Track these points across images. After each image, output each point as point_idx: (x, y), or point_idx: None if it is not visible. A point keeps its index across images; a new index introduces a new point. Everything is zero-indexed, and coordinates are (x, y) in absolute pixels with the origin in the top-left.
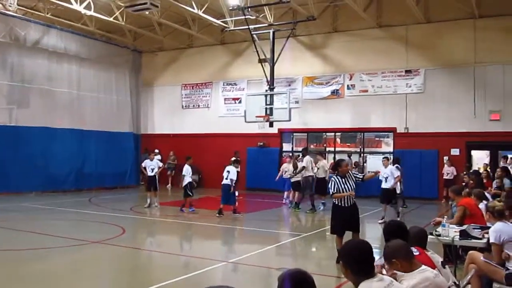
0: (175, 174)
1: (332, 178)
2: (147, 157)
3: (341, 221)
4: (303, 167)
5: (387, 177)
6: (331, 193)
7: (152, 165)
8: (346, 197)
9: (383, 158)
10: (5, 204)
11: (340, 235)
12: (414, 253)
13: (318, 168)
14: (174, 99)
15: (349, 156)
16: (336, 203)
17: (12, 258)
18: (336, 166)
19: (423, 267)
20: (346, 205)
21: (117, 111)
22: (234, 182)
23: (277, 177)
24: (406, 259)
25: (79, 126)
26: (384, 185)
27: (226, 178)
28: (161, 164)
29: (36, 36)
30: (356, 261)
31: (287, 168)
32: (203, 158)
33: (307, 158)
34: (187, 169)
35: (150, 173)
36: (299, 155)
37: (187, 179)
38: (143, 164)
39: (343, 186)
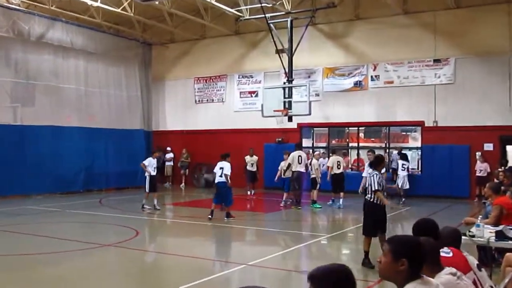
0: (189, 173)
1: (376, 174)
2: (161, 155)
3: (375, 221)
4: (289, 164)
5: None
6: (375, 189)
7: (155, 164)
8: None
9: (368, 151)
10: (12, 207)
11: (372, 236)
12: (447, 255)
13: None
14: (186, 94)
15: (373, 152)
16: (374, 201)
17: (24, 263)
18: (380, 162)
19: (445, 269)
20: (382, 204)
21: (127, 107)
22: (229, 178)
23: (276, 178)
24: (429, 262)
25: (87, 124)
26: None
27: (220, 175)
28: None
29: (40, 30)
30: (416, 257)
31: (285, 166)
32: (217, 155)
33: (294, 153)
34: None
35: (153, 172)
36: (313, 151)
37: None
38: (146, 162)
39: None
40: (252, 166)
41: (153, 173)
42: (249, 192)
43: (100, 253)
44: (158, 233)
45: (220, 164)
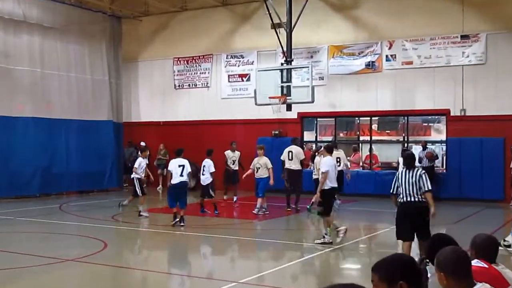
0: (167, 173)
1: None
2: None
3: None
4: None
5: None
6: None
7: (145, 165)
8: None
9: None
10: None
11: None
12: (480, 267)
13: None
14: (164, 78)
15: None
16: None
17: None
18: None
19: (478, 285)
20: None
21: (92, 94)
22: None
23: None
24: (456, 276)
25: (44, 114)
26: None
27: (203, 173)
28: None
29: None
30: (413, 273)
31: (257, 164)
32: (202, 151)
33: (286, 149)
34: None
35: (143, 175)
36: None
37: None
38: (136, 164)
39: None
40: (233, 163)
41: (143, 175)
42: (225, 197)
43: (61, 270)
44: (130, 245)
45: (205, 161)
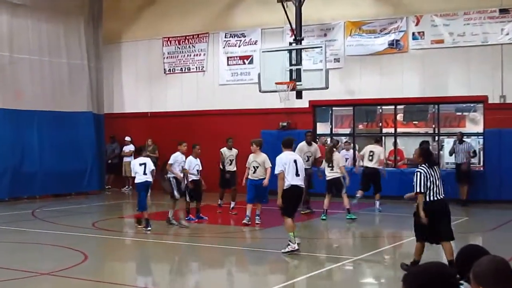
0: (156, 173)
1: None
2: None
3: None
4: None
5: None
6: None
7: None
8: None
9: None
10: None
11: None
12: None
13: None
14: (151, 61)
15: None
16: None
17: None
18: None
19: None
20: None
21: (68, 81)
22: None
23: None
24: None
25: (12, 105)
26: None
27: (145, 173)
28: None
29: None
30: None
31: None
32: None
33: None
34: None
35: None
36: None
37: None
38: (171, 160)
39: None
40: (231, 163)
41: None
42: (219, 202)
43: (35, 285)
44: (113, 257)
45: (141, 159)
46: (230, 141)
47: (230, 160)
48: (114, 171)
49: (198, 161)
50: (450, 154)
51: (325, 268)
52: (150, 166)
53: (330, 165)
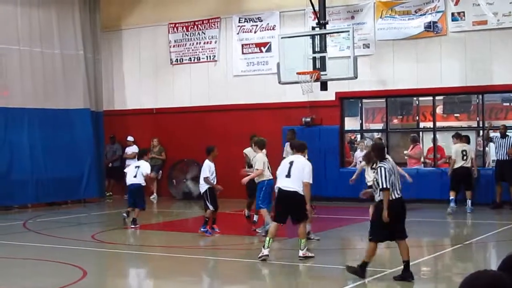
0: (163, 177)
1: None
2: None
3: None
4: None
5: None
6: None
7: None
8: None
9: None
10: None
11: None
12: None
13: None
14: (156, 50)
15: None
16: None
17: None
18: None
19: None
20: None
21: (62, 74)
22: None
23: (355, 176)
24: None
25: (0, 102)
26: None
27: (135, 176)
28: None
29: None
30: None
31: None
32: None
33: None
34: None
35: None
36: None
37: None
38: (205, 169)
39: None
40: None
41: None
42: (246, 213)
43: None
44: (115, 273)
45: (137, 162)
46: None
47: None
48: (115, 176)
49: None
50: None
51: (358, 282)
52: (144, 169)
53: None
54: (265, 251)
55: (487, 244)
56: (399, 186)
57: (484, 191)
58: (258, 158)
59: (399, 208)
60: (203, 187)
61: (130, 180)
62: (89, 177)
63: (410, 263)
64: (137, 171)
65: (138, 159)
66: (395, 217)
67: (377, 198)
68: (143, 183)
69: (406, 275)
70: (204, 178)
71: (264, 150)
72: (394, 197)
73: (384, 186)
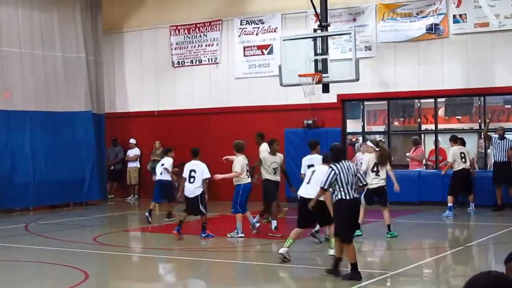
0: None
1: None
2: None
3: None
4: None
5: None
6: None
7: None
8: None
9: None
10: None
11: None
12: None
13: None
14: (158, 52)
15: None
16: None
17: None
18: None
19: None
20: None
21: (64, 77)
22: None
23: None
24: None
25: (2, 105)
26: None
27: (161, 173)
28: None
29: None
30: None
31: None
32: (210, 150)
33: (264, 146)
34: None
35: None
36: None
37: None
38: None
39: None
40: (275, 172)
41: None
42: (259, 220)
43: None
44: (118, 276)
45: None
46: (276, 143)
47: (273, 168)
48: (117, 179)
49: None
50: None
51: (360, 285)
52: (167, 165)
53: (375, 169)
54: (283, 250)
55: (488, 246)
56: (352, 188)
57: (485, 193)
58: (237, 161)
59: (356, 208)
60: (199, 190)
61: (157, 177)
62: (91, 179)
63: (412, 266)
64: (162, 169)
65: (163, 157)
66: (350, 216)
67: (334, 198)
68: (169, 179)
69: (355, 275)
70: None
71: (242, 153)
72: (347, 197)
73: (322, 185)
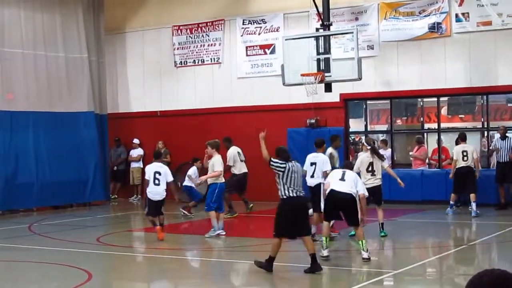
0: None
1: None
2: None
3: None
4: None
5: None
6: None
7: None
8: None
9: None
10: None
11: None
12: None
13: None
14: (160, 52)
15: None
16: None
17: None
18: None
19: None
20: None
21: (66, 77)
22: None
23: None
24: None
25: (4, 106)
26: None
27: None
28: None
29: None
30: None
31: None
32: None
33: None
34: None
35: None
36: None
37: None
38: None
39: None
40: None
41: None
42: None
43: None
44: (121, 276)
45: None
46: (339, 139)
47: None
48: (120, 179)
49: None
50: (496, 152)
51: (364, 283)
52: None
53: (370, 169)
54: (325, 252)
55: (491, 245)
56: (298, 186)
57: (489, 192)
58: (217, 160)
59: (298, 206)
60: (164, 192)
61: (184, 183)
62: (94, 180)
63: (415, 265)
64: (186, 177)
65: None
66: (296, 214)
67: (281, 196)
68: (190, 184)
69: (315, 267)
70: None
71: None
72: (292, 195)
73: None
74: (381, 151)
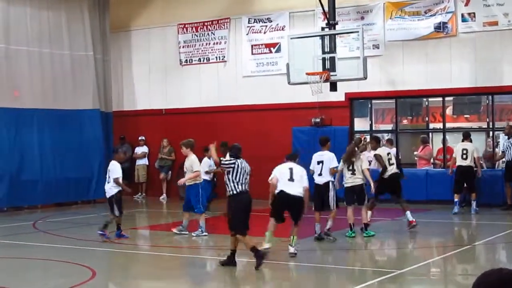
0: (173, 178)
1: None
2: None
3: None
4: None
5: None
6: None
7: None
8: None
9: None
10: None
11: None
12: None
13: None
14: (165, 51)
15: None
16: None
17: None
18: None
19: None
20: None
21: (72, 75)
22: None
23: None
24: None
25: (9, 103)
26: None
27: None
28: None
29: None
30: None
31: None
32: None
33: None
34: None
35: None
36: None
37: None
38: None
39: None
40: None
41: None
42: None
43: None
44: (125, 273)
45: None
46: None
47: (388, 159)
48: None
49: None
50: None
51: (367, 283)
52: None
53: (351, 168)
54: (292, 249)
55: (496, 245)
56: (246, 182)
57: (494, 192)
58: (194, 160)
59: (247, 200)
60: (114, 189)
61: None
62: (98, 177)
63: (420, 265)
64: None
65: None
66: (245, 207)
67: (229, 193)
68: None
69: (230, 261)
70: (114, 179)
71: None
72: (242, 189)
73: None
74: (385, 150)
